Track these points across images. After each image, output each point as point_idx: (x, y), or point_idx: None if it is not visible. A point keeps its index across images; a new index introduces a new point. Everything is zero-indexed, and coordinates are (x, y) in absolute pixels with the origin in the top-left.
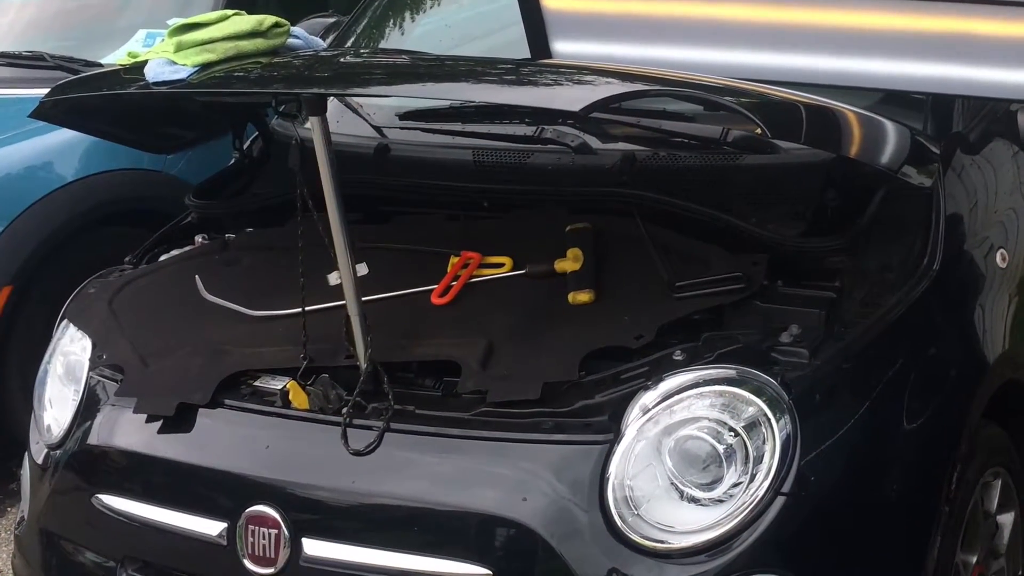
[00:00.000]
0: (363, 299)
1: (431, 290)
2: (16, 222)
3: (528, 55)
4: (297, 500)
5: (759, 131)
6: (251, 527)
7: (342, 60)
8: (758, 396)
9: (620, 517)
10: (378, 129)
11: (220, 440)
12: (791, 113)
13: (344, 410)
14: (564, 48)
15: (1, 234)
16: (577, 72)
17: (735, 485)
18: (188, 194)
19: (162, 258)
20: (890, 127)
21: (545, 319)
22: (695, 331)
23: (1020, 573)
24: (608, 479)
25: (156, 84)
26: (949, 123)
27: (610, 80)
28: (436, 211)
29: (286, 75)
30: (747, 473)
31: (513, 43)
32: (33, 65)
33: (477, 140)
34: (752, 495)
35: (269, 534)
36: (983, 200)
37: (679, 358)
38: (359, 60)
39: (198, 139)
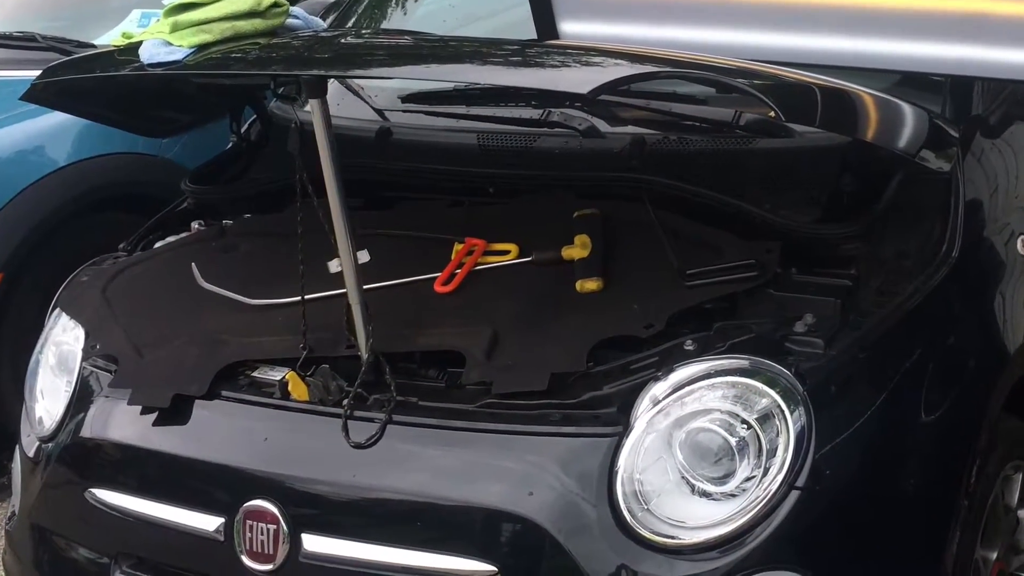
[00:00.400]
0: (364, 287)
1: (434, 278)
2: (7, 208)
3: (534, 36)
4: (296, 494)
5: (772, 114)
6: (249, 522)
7: (343, 41)
8: (771, 387)
9: (629, 512)
10: (380, 112)
11: (217, 433)
12: (806, 96)
13: (345, 402)
14: (572, 28)
15: None
16: (585, 53)
17: (748, 479)
18: (184, 179)
19: (157, 245)
20: (908, 110)
21: (552, 308)
22: (707, 320)
23: None
24: (617, 473)
25: (151, 66)
26: (968, 106)
27: (619, 61)
28: (440, 197)
29: (285, 56)
30: (760, 467)
31: (519, 23)
32: (24, 46)
33: (482, 124)
34: (765, 489)
35: (268, 529)
36: (1004, 185)
37: (690, 348)
38: (360, 41)
39: (194, 122)
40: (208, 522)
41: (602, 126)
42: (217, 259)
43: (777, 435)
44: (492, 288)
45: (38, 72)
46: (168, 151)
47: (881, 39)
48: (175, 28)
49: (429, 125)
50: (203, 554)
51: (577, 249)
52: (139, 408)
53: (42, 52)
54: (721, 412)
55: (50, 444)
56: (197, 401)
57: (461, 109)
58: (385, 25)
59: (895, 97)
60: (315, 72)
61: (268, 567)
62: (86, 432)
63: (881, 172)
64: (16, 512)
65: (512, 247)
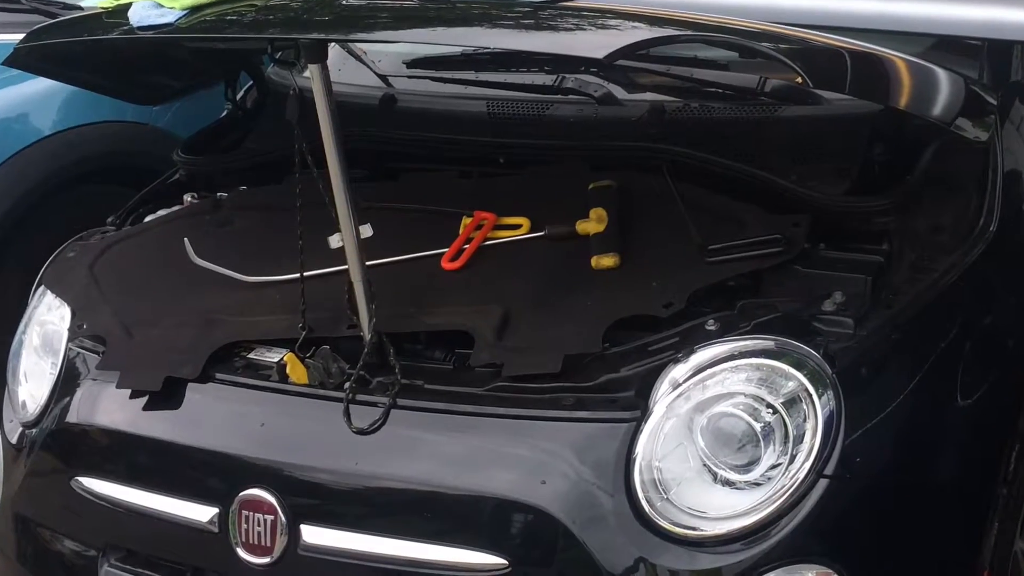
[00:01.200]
0: (367, 264)
1: (441, 254)
2: None
3: None
4: (295, 483)
5: (800, 80)
6: (245, 512)
7: (344, 2)
8: (798, 370)
9: (648, 501)
10: (383, 78)
11: (211, 418)
12: (835, 60)
13: (346, 385)
14: None
15: None
16: (601, 15)
17: (773, 467)
18: (176, 149)
19: (148, 219)
20: (943, 76)
21: (566, 285)
22: (730, 299)
23: None
24: (635, 460)
25: (141, 29)
26: (1007, 71)
27: (637, 24)
28: (447, 167)
29: (283, 19)
30: (786, 454)
31: None
32: (7, 8)
33: (492, 90)
34: (792, 478)
35: (264, 520)
36: None
37: (712, 328)
38: (363, 2)
39: (187, 89)
40: (202, 512)
41: (619, 93)
42: (211, 234)
43: (804, 420)
44: (502, 264)
45: (21, 36)
46: (159, 119)
47: (915, 0)
48: None
49: (436, 92)
50: (196, 546)
51: (592, 223)
52: (128, 392)
53: (26, 14)
54: (745, 396)
55: (34, 430)
56: (190, 384)
57: (470, 75)
58: None
59: (930, 62)
60: (315, 36)
61: (265, 560)
62: (72, 417)
63: (915, 142)
64: None
65: (523, 221)
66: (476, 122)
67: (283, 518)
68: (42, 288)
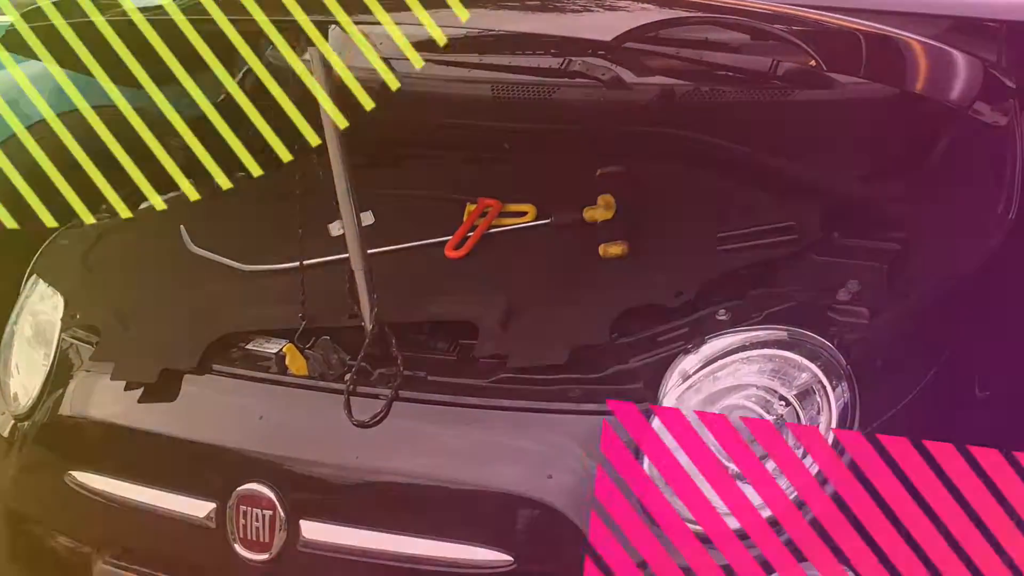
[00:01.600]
0: (368, 252)
1: (445, 241)
2: None
3: None
4: (294, 477)
5: (813, 63)
6: (243, 508)
7: None
8: (812, 361)
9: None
10: (386, 61)
11: (208, 410)
12: (849, 43)
13: (347, 376)
14: None
15: None
16: None
17: None
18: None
19: (143, 206)
20: (960, 59)
21: (573, 274)
22: (741, 288)
23: None
24: (643, 454)
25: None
26: None
27: (646, 5)
28: (451, 153)
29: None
30: (800, 447)
31: None
32: None
33: (497, 73)
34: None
35: (263, 516)
36: None
37: (723, 318)
38: None
39: (183, 72)
40: (198, 508)
41: (627, 76)
42: (208, 221)
43: (818, 413)
44: (508, 253)
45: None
46: (154, 104)
47: None
48: None
49: (439, 75)
50: (193, 542)
51: (600, 210)
52: (123, 383)
53: None
54: (757, 388)
55: (26, 423)
56: (186, 376)
57: (474, 58)
58: None
59: (947, 45)
60: (315, 17)
61: (263, 556)
62: (65, 409)
63: (932, 126)
64: None
65: (529, 208)
66: (481, 106)
67: (282, 513)
68: (34, 277)
